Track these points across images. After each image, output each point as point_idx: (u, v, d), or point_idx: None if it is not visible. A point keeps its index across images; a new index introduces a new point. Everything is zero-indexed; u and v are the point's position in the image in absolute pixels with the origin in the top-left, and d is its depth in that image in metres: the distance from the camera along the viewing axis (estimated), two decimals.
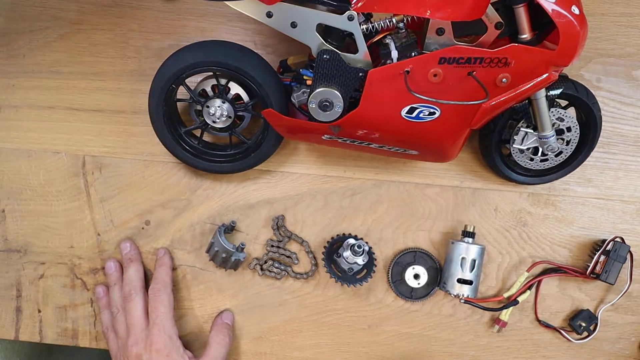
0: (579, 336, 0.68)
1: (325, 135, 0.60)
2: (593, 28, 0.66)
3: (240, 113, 0.62)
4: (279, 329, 0.70)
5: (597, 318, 0.68)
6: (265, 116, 0.60)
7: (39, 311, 0.71)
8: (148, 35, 0.69)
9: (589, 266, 0.66)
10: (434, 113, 0.56)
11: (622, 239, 0.66)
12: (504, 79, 0.54)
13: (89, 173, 0.70)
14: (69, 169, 0.70)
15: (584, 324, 0.68)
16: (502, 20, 0.54)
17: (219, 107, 0.61)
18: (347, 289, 0.70)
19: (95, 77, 0.69)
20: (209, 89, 0.61)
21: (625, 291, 0.67)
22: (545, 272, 0.68)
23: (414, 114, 0.56)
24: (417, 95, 0.53)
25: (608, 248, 0.66)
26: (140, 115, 0.69)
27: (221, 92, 0.61)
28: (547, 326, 0.68)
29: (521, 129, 0.62)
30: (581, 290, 0.69)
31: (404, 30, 0.55)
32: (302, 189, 0.69)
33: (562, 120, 0.62)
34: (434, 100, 0.53)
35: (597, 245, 0.67)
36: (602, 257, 0.66)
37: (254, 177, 0.69)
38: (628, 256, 0.66)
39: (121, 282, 0.67)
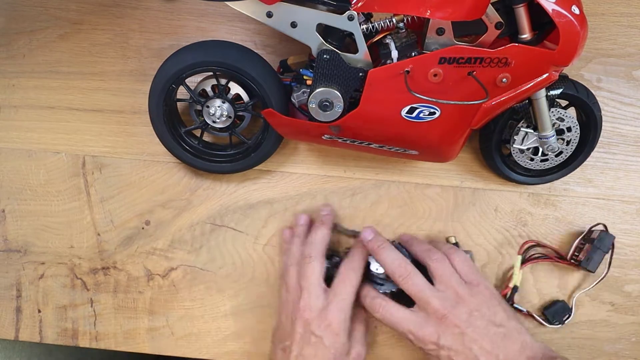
0: (552, 325, 0.68)
1: (326, 135, 0.60)
2: (593, 28, 0.66)
3: (240, 113, 0.62)
4: None
5: (570, 308, 0.68)
6: (265, 116, 0.60)
7: (39, 311, 0.71)
8: (148, 35, 0.69)
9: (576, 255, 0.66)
10: (434, 113, 0.56)
11: (605, 226, 0.66)
12: (504, 79, 0.54)
13: (89, 173, 0.70)
14: (69, 169, 0.70)
15: (559, 315, 0.68)
16: (502, 20, 0.53)
17: (219, 107, 0.61)
18: None
19: (95, 77, 0.69)
20: (209, 89, 0.61)
21: (602, 278, 0.66)
22: (530, 258, 0.68)
23: (414, 114, 0.56)
24: (417, 95, 0.53)
25: (593, 236, 0.66)
26: (140, 115, 0.69)
27: (221, 92, 0.61)
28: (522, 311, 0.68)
29: (521, 129, 0.62)
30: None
31: (404, 30, 0.55)
32: (302, 189, 0.69)
33: (562, 120, 0.61)
34: (434, 100, 0.53)
35: (586, 237, 0.67)
36: (587, 246, 0.66)
37: (254, 177, 0.69)
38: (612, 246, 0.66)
39: (305, 238, 0.65)
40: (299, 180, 0.69)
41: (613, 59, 0.67)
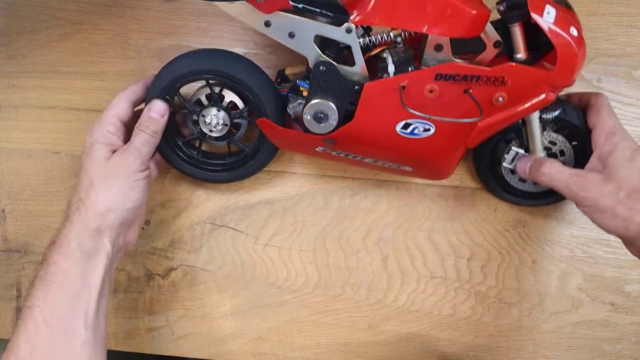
0: None
1: (319, 148, 0.60)
2: (593, 28, 0.66)
3: (236, 120, 0.62)
4: (279, 329, 0.70)
5: None
6: (259, 125, 0.60)
7: None
8: (148, 35, 0.69)
9: None
10: (428, 130, 0.56)
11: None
12: (500, 98, 0.53)
13: None
14: (69, 169, 0.70)
15: None
16: (500, 39, 0.53)
17: (214, 115, 0.60)
18: (346, 289, 0.69)
19: (95, 77, 0.69)
20: (203, 98, 0.61)
21: None
22: None
23: (409, 130, 0.56)
24: (411, 111, 0.52)
25: None
26: None
27: (215, 100, 0.60)
28: None
29: (512, 148, 0.61)
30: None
31: (401, 45, 0.55)
32: (302, 189, 0.69)
33: (554, 144, 0.61)
34: (428, 117, 0.53)
35: None
36: None
37: (254, 177, 0.69)
38: None
39: None
40: (299, 180, 0.69)
41: (613, 59, 0.67)
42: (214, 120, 0.60)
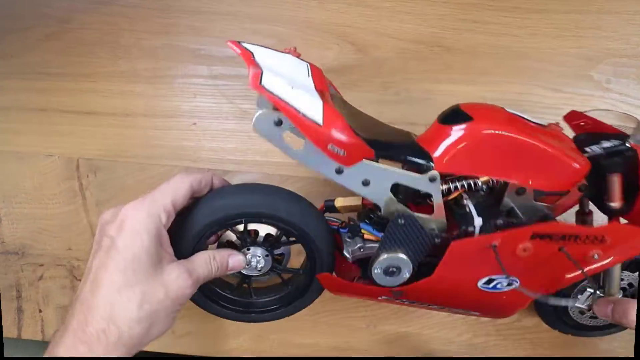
0: None
1: (383, 296, 0.55)
2: (605, 27, 0.63)
3: (277, 251, 0.57)
4: (278, 328, 0.71)
5: None
6: (320, 280, 0.54)
7: (40, 311, 0.71)
8: (139, 35, 0.66)
9: None
10: (512, 284, 0.52)
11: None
12: (595, 255, 0.50)
13: (84, 176, 0.68)
14: (63, 172, 0.69)
15: None
16: (586, 183, 0.50)
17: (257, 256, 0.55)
18: None
19: (86, 78, 0.67)
20: (234, 239, 0.55)
21: None
22: None
23: (492, 285, 0.52)
24: (511, 278, 0.51)
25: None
26: (133, 117, 0.67)
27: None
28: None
29: (588, 289, 0.58)
30: None
31: (483, 192, 0.51)
32: (302, 189, 0.68)
33: (632, 286, 0.58)
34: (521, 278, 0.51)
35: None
36: None
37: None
38: None
39: None
40: (300, 182, 0.68)
41: (624, 60, 0.64)
42: (254, 260, 0.55)
